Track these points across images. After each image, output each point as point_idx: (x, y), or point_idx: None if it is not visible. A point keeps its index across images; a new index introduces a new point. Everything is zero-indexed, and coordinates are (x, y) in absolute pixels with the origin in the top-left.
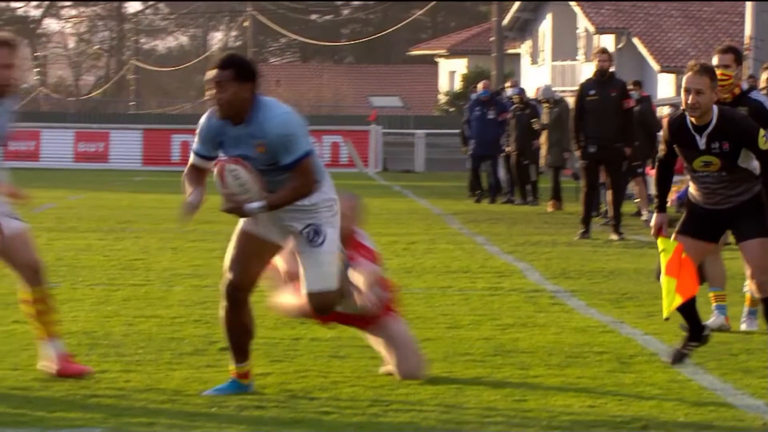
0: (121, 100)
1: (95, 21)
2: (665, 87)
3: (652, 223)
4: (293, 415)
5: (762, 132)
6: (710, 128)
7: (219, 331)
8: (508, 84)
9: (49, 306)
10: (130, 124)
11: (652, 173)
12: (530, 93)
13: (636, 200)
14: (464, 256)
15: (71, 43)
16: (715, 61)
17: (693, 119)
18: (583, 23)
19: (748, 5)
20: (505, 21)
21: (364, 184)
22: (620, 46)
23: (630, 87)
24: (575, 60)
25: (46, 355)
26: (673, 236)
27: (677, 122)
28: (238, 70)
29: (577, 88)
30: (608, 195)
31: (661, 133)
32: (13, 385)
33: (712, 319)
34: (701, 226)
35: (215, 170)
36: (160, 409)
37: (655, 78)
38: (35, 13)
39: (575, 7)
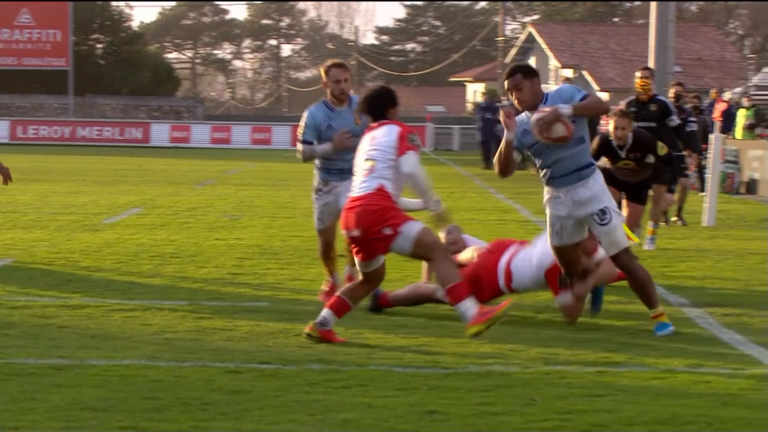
0: (278, 108)
1: (263, 61)
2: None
3: None
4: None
5: (659, 143)
6: (628, 145)
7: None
8: (504, 98)
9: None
10: (284, 122)
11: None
12: None
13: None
14: (481, 200)
15: (249, 74)
16: (638, 74)
17: (618, 142)
18: (553, 62)
19: (651, 56)
20: (507, 60)
21: (423, 158)
22: (576, 75)
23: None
24: (548, 84)
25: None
26: None
27: (605, 142)
28: (525, 71)
29: None
30: None
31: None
32: (212, 276)
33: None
34: (616, 185)
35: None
36: (303, 289)
37: (595, 94)
38: (228, 56)
39: (548, 52)
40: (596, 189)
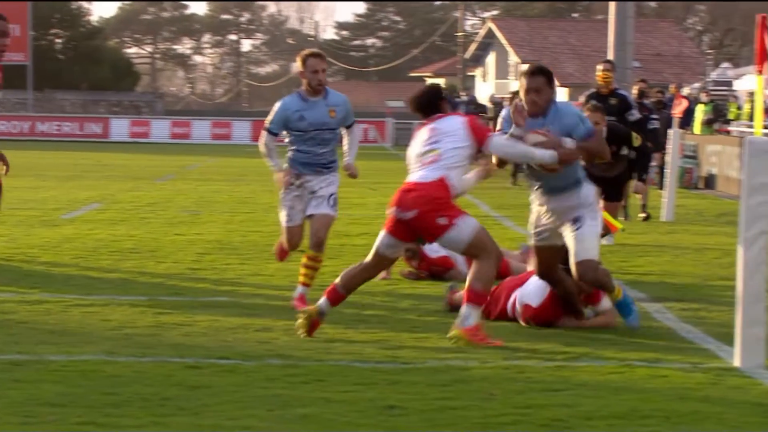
0: (238, 103)
1: (223, 56)
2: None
3: None
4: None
5: (634, 134)
6: None
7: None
8: (463, 93)
9: (316, 268)
10: (244, 118)
11: None
12: (480, 98)
13: None
14: None
15: (209, 69)
16: (600, 67)
17: None
18: (513, 57)
19: (610, 52)
20: (467, 56)
21: (383, 153)
22: None
23: None
24: (508, 79)
25: (295, 293)
26: None
27: None
28: (548, 77)
29: (509, 95)
30: None
31: None
32: (171, 271)
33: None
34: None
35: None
36: (262, 284)
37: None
38: (188, 51)
39: (508, 47)
40: (584, 200)
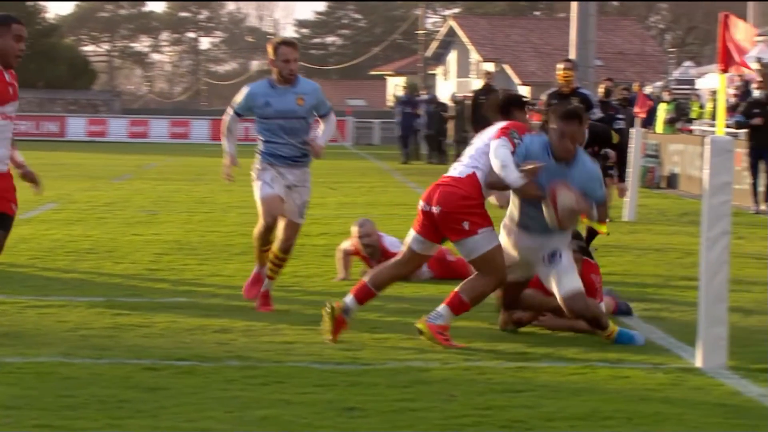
0: (197, 101)
1: (181, 54)
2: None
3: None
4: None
5: (613, 133)
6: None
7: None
8: (423, 92)
9: (283, 265)
10: (203, 116)
11: None
12: (441, 97)
13: None
14: (402, 195)
15: (168, 67)
16: (561, 66)
17: None
18: (474, 55)
19: (572, 50)
20: (428, 54)
21: (343, 152)
22: (497, 69)
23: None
24: (469, 77)
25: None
26: None
27: None
28: (582, 120)
29: (471, 93)
30: None
31: None
32: (129, 272)
33: None
34: None
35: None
36: (221, 285)
37: (516, 89)
38: (146, 49)
39: (469, 45)
40: (559, 237)
